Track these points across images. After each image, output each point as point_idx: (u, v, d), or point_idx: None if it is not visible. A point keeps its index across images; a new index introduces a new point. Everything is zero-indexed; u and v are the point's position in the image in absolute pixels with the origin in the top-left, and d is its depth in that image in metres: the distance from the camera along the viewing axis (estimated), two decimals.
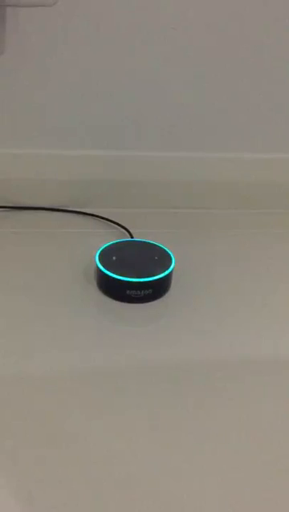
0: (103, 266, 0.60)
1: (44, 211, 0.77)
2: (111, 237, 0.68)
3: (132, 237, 0.71)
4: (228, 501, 0.41)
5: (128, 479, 0.42)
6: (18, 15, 0.67)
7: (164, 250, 0.64)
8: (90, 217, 0.77)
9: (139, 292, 0.60)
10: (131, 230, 0.72)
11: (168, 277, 0.61)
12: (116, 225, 0.74)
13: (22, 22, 0.67)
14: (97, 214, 0.77)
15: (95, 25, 0.69)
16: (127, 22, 0.69)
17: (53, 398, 0.48)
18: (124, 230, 0.73)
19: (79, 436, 0.45)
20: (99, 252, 0.63)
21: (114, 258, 0.62)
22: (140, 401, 0.49)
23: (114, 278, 0.59)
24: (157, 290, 0.61)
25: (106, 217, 0.76)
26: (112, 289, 0.61)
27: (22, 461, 0.43)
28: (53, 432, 0.45)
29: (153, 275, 0.60)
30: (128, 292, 0.60)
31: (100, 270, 0.60)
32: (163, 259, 0.62)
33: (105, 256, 0.62)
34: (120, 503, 0.40)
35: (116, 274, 0.59)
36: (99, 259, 0.61)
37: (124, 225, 0.73)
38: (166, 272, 0.60)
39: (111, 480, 0.42)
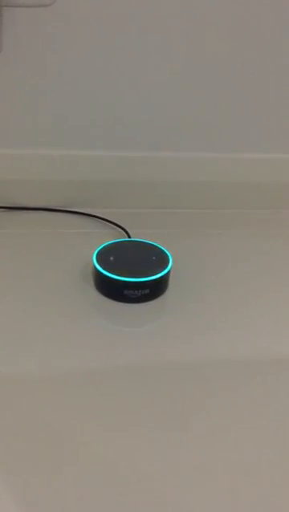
0: (101, 266, 0.60)
1: (42, 211, 0.77)
2: (108, 237, 0.68)
3: (129, 237, 0.71)
4: (228, 501, 0.41)
5: (128, 480, 0.42)
6: (15, 15, 0.67)
7: (162, 250, 0.64)
8: (87, 217, 0.77)
9: (136, 292, 0.60)
10: (128, 230, 0.72)
11: (166, 277, 0.61)
12: (114, 225, 0.74)
13: (19, 23, 0.67)
14: (95, 214, 0.77)
15: (93, 25, 0.68)
16: (125, 22, 0.69)
17: (50, 398, 0.48)
18: (121, 230, 0.73)
19: (77, 436, 0.45)
20: (96, 252, 0.63)
21: (111, 257, 0.62)
22: (138, 401, 0.49)
23: (111, 278, 0.59)
24: (155, 290, 0.61)
25: (104, 217, 0.76)
26: (110, 289, 0.61)
27: (20, 462, 0.43)
28: (50, 432, 0.45)
29: (151, 275, 0.60)
30: (125, 292, 0.60)
31: (98, 270, 0.60)
32: (160, 259, 0.62)
33: (103, 256, 0.62)
34: (120, 504, 0.40)
35: (114, 273, 0.59)
36: (97, 259, 0.61)
37: (121, 225, 0.73)
38: (164, 272, 0.60)
39: (111, 481, 0.42)
